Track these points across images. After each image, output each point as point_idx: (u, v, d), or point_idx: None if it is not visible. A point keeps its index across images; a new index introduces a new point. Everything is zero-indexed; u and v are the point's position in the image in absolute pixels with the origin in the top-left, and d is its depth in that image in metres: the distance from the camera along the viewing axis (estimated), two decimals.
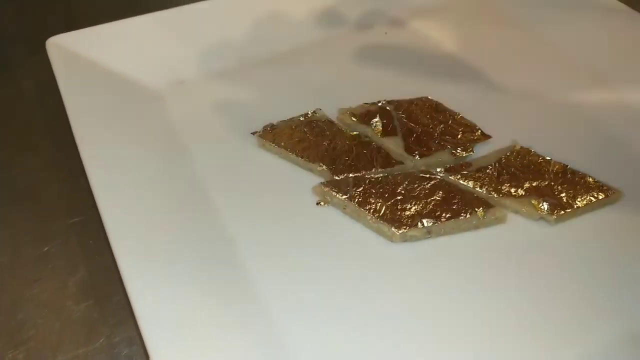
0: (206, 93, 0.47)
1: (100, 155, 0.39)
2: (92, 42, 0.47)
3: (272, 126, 0.43)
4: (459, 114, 0.43)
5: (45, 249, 0.39)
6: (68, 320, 0.35)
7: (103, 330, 0.35)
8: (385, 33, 0.52)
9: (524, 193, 0.38)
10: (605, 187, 0.39)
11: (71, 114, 0.42)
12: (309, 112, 0.44)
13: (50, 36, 0.47)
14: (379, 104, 0.44)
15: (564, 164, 0.40)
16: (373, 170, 0.40)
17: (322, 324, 0.33)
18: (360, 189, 0.38)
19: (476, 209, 0.37)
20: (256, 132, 0.42)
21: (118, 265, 0.33)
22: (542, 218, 0.38)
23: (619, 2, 0.51)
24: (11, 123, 0.48)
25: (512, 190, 0.39)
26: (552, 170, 0.40)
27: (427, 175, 0.39)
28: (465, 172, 0.40)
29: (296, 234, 0.37)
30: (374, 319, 0.33)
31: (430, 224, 0.36)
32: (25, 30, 0.57)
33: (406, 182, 0.39)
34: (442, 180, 0.39)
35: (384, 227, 0.36)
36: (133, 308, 0.31)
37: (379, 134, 0.42)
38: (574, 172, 0.39)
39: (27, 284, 0.37)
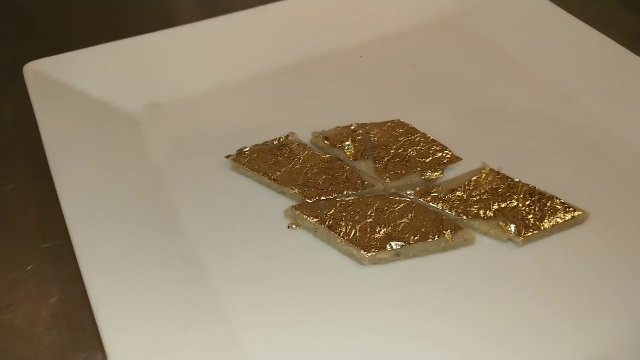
0: (180, 117, 0.47)
1: (74, 180, 0.40)
2: (69, 68, 0.47)
3: (245, 150, 0.43)
4: (430, 137, 0.44)
5: (18, 274, 0.39)
6: (39, 347, 0.35)
7: (73, 357, 0.35)
8: (361, 56, 0.53)
9: (492, 215, 0.39)
10: (571, 208, 0.39)
11: (46, 139, 0.42)
12: (282, 136, 0.44)
13: (28, 61, 0.47)
14: (352, 127, 0.45)
15: (531, 186, 0.41)
16: (344, 193, 0.40)
17: (293, 347, 0.33)
18: (331, 212, 0.39)
19: (444, 231, 0.38)
20: (230, 155, 0.43)
21: (88, 295, 0.33)
22: (510, 239, 0.38)
23: (587, 25, 0.52)
24: None
25: (481, 212, 0.39)
26: (520, 192, 0.40)
27: (397, 198, 0.40)
28: (435, 194, 0.40)
29: (267, 257, 0.38)
30: (344, 341, 0.34)
31: (398, 247, 0.37)
32: (5, 55, 0.58)
33: (376, 205, 0.39)
34: (411, 202, 0.40)
35: (354, 250, 0.37)
36: (102, 337, 0.31)
37: (351, 156, 0.43)
38: (541, 194, 0.40)
39: None
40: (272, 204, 0.41)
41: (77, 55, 0.48)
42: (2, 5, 0.64)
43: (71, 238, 0.36)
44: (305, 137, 0.45)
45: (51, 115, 0.44)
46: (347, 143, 0.43)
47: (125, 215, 0.39)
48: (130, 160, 0.43)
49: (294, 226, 0.39)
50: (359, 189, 0.41)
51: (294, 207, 0.39)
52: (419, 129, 0.45)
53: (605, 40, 0.51)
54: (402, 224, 0.38)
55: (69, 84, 0.47)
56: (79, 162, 0.41)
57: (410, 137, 0.44)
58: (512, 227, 0.38)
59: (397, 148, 0.43)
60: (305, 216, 0.39)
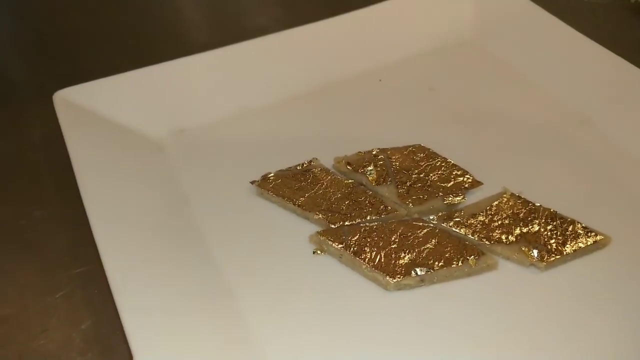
0: (206, 142, 0.48)
1: (103, 205, 0.40)
2: (96, 95, 0.48)
3: (270, 175, 0.44)
4: (450, 161, 0.45)
5: (51, 299, 0.40)
6: None
7: None
8: (380, 80, 0.54)
9: (514, 239, 0.40)
10: (593, 233, 0.40)
11: (76, 165, 0.43)
12: (306, 162, 0.45)
13: (55, 85, 0.48)
14: (373, 153, 0.45)
15: (553, 210, 0.41)
16: (368, 218, 0.41)
17: None
18: (356, 238, 0.39)
19: (468, 257, 0.38)
20: (255, 181, 0.44)
21: (121, 319, 0.34)
22: (532, 264, 0.39)
23: (605, 48, 0.52)
24: (18, 173, 0.49)
25: (503, 237, 0.40)
26: (542, 217, 0.41)
27: (420, 224, 0.40)
28: (457, 219, 0.41)
29: (293, 283, 0.39)
30: None
31: (423, 273, 0.37)
32: (32, 80, 0.59)
33: (400, 230, 0.40)
34: (434, 227, 0.40)
35: (379, 276, 0.38)
36: None
37: (374, 181, 0.43)
38: (563, 218, 0.41)
39: (33, 336, 0.38)
40: (297, 229, 0.42)
41: (104, 83, 0.49)
42: (29, 32, 0.66)
43: (103, 264, 0.36)
44: (327, 162, 0.46)
45: (80, 142, 0.45)
46: (369, 168, 0.44)
47: (154, 239, 0.40)
48: (158, 185, 0.44)
49: (319, 252, 0.40)
50: (382, 214, 0.41)
51: (319, 233, 0.40)
52: (439, 152, 0.46)
53: (622, 63, 0.51)
54: (426, 250, 0.39)
55: (97, 110, 0.48)
56: (108, 188, 0.42)
57: (431, 161, 0.45)
58: (535, 253, 0.38)
59: (419, 173, 0.44)
60: (330, 242, 0.39)
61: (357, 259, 0.38)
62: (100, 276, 0.39)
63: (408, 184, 0.43)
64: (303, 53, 0.54)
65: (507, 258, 0.39)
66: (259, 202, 0.44)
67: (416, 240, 0.39)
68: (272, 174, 0.44)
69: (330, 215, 0.41)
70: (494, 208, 0.42)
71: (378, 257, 0.38)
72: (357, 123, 0.50)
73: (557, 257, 0.38)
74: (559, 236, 0.40)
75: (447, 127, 0.50)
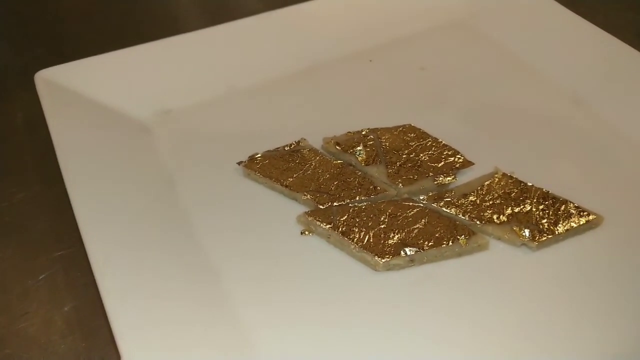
0: (192, 123, 0.47)
1: (86, 187, 0.40)
2: (79, 75, 0.47)
3: (257, 156, 0.43)
4: (441, 141, 0.44)
5: (32, 282, 0.39)
6: (54, 355, 0.35)
7: None
8: (370, 61, 0.53)
9: (505, 219, 0.39)
10: (586, 212, 0.39)
11: (58, 146, 0.42)
12: (294, 142, 0.44)
13: (38, 68, 0.47)
14: (363, 133, 0.44)
15: (545, 190, 0.40)
16: (357, 199, 0.40)
17: (307, 353, 0.33)
18: (344, 218, 0.39)
19: (459, 237, 0.37)
20: (242, 162, 0.43)
21: (103, 302, 0.33)
22: (524, 244, 0.38)
23: (597, 27, 0.51)
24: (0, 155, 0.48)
25: (495, 217, 0.39)
26: (534, 196, 0.40)
27: (410, 204, 0.40)
28: (448, 200, 0.40)
29: (281, 264, 0.38)
30: (359, 347, 0.34)
31: (413, 253, 0.37)
32: (16, 63, 0.58)
33: (389, 210, 0.39)
34: (424, 207, 0.39)
35: (368, 256, 0.37)
36: (117, 344, 0.31)
37: (363, 162, 0.43)
38: (555, 198, 0.40)
39: (13, 319, 0.37)
40: (284, 210, 0.41)
41: (87, 63, 0.48)
42: (13, 13, 0.64)
43: (85, 246, 0.36)
44: (316, 142, 0.45)
45: (63, 123, 0.44)
46: (358, 148, 0.43)
47: (139, 222, 0.39)
48: (143, 167, 0.43)
49: (307, 232, 0.39)
50: (371, 195, 0.41)
51: (307, 214, 0.39)
52: (430, 133, 0.45)
53: (614, 42, 0.51)
54: (416, 230, 0.38)
55: (80, 91, 0.47)
56: (91, 170, 0.41)
57: (421, 141, 0.44)
58: (527, 232, 0.38)
59: (409, 153, 0.43)
60: (318, 222, 0.38)
61: (346, 239, 0.37)
62: (82, 259, 0.38)
63: (398, 164, 0.42)
64: (292, 33, 0.53)
65: (499, 238, 0.39)
66: (246, 183, 0.43)
67: (406, 220, 0.38)
68: (259, 155, 0.43)
69: (319, 196, 0.40)
70: (485, 188, 0.41)
71: (367, 237, 0.37)
72: (347, 103, 0.49)
73: (549, 236, 0.38)
74: (551, 216, 0.39)
75: (438, 107, 0.49)
